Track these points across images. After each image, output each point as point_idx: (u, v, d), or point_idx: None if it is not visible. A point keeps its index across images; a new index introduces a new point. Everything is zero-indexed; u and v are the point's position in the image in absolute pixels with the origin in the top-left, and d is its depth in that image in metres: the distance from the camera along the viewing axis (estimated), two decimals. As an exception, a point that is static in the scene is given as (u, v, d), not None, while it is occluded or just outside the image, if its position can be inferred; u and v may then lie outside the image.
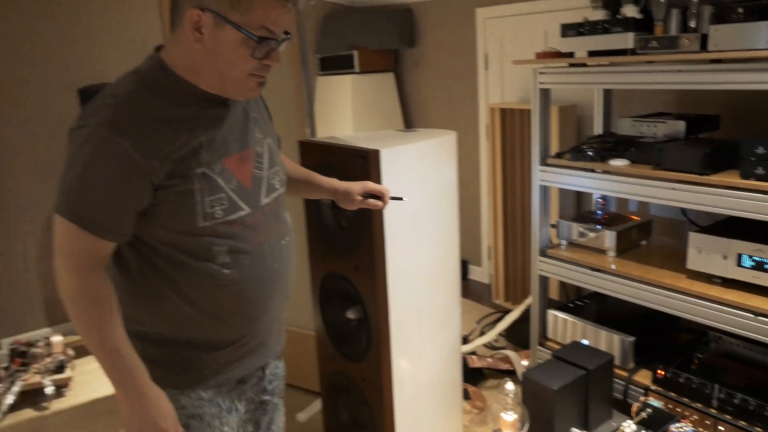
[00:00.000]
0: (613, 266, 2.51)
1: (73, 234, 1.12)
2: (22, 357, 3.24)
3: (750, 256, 2.09)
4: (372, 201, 1.65)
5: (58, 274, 1.16)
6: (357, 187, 1.66)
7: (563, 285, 3.41)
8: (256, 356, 1.42)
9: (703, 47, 2.03)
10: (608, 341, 2.55)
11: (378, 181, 1.99)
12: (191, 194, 1.18)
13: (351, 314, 2.28)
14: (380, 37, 4.23)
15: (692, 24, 2.08)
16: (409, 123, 4.56)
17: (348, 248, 2.18)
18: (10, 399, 3.00)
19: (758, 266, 2.07)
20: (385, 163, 1.98)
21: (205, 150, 1.20)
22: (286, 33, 1.20)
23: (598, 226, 2.66)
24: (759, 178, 1.97)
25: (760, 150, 1.95)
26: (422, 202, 2.19)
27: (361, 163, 1.98)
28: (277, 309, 1.41)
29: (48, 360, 3.23)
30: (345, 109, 4.20)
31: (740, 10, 1.93)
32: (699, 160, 2.12)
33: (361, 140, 2.17)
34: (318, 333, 2.43)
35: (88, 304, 1.14)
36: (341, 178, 2.08)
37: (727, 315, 2.11)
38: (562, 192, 3.46)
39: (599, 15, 2.40)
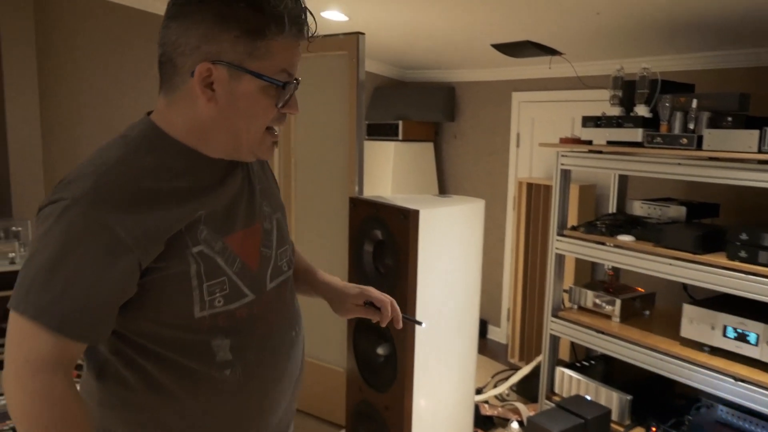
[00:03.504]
0: (614, 330, 2.81)
1: (34, 335, 0.91)
2: None
3: (734, 328, 2.39)
4: (372, 311, 1.40)
5: (9, 389, 0.92)
6: (355, 292, 1.40)
7: (573, 345, 3.69)
8: None
9: (699, 146, 2.40)
10: (608, 398, 2.82)
11: (416, 238, 2.37)
12: (186, 278, 1.00)
13: (381, 350, 2.61)
14: (424, 110, 4.70)
15: (691, 126, 2.46)
16: (443, 189, 4.98)
17: (383, 291, 2.53)
18: None
19: (740, 337, 2.36)
20: (423, 222, 2.36)
21: (204, 225, 1.03)
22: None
23: (606, 294, 2.98)
24: (742, 260, 2.30)
25: (744, 236, 2.29)
26: (451, 260, 2.55)
27: (403, 220, 2.37)
28: (285, 412, 1.23)
29: None
30: (386, 172, 4.63)
31: (729, 119, 2.31)
32: (692, 241, 2.45)
33: (404, 201, 2.56)
34: (348, 366, 2.77)
35: (51, 423, 0.91)
36: (385, 232, 2.48)
37: (712, 379, 2.39)
38: (579, 261, 3.79)
39: (616, 111, 2.79)
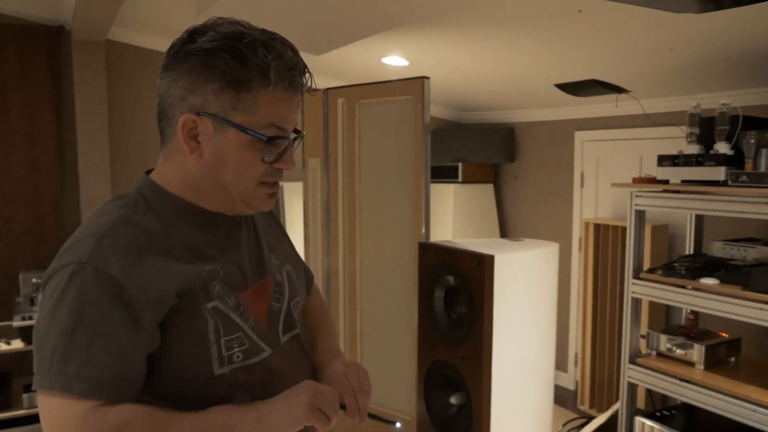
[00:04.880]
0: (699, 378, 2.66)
1: (70, 407, 0.87)
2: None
3: (838, 380, 2.22)
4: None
5: None
6: (335, 382, 1.13)
7: (649, 393, 3.51)
8: None
9: (789, 185, 2.28)
10: (697, 452, 2.65)
11: (491, 285, 2.30)
12: (204, 334, 0.98)
13: (454, 399, 2.53)
14: (483, 151, 4.67)
15: (779, 163, 2.35)
16: (505, 231, 4.89)
17: (457, 339, 2.47)
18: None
19: None
20: (498, 267, 2.30)
21: (216, 281, 1.01)
22: (297, 131, 1.06)
23: (688, 340, 2.83)
24: (844, 306, 2.15)
25: None
26: (526, 307, 2.47)
27: (477, 266, 2.31)
28: None
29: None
30: (446, 215, 4.59)
31: (822, 155, 2.19)
32: (786, 285, 2.31)
33: (475, 245, 2.51)
34: (419, 417, 2.69)
35: None
36: (458, 278, 2.42)
37: (815, 435, 2.22)
38: (653, 305, 3.63)
39: (693, 149, 2.70)
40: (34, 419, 3.10)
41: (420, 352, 2.67)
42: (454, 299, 2.51)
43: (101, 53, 3.52)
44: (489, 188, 4.81)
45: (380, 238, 3.22)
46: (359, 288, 3.27)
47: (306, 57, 3.62)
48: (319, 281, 3.49)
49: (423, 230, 3.03)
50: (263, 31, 1.01)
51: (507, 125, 4.80)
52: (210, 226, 1.05)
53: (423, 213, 3.01)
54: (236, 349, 1.01)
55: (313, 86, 1.05)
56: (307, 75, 1.03)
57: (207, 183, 1.02)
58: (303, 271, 1.30)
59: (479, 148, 4.68)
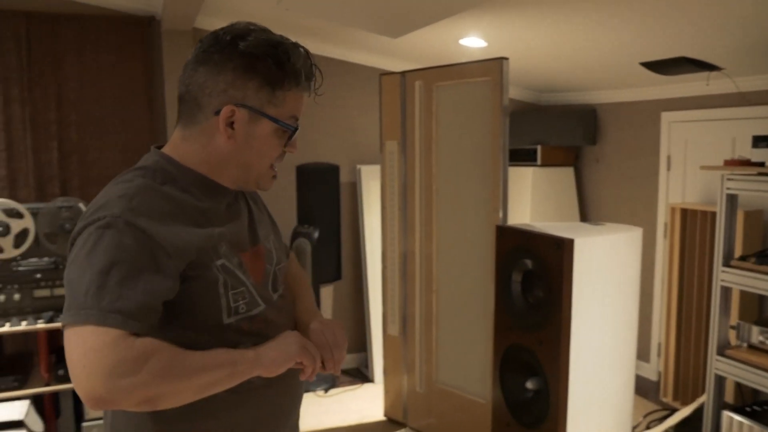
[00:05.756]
0: (798, 374, 2.51)
1: (102, 335, 0.97)
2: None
3: None
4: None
5: (113, 387, 0.96)
6: (313, 338, 1.26)
7: (739, 387, 3.35)
8: None
9: None
10: (790, 450, 2.52)
11: (570, 269, 2.26)
12: (215, 287, 1.13)
13: (530, 384, 2.51)
14: (563, 134, 4.54)
15: None
16: (585, 215, 4.76)
17: (534, 324, 2.44)
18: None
19: None
20: (578, 252, 2.25)
21: (223, 242, 1.17)
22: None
23: (783, 332, 2.68)
24: None
25: None
26: (607, 293, 2.41)
27: (556, 250, 2.27)
28: (296, 415, 1.37)
29: None
30: (524, 199, 4.51)
31: None
32: None
33: (554, 229, 2.46)
34: (495, 400, 2.68)
35: (151, 372, 0.99)
36: (536, 262, 2.39)
37: None
38: (745, 294, 3.45)
39: (792, 129, 2.53)
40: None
41: (496, 336, 2.66)
42: (532, 283, 2.48)
43: (189, 41, 3.66)
44: (569, 171, 4.69)
45: (457, 221, 3.21)
46: (435, 270, 3.28)
47: (383, 40, 3.61)
48: (395, 263, 3.52)
49: (500, 214, 2.99)
50: (284, 38, 1.20)
51: (588, 106, 4.64)
52: (217, 195, 1.21)
53: (501, 196, 2.98)
54: (240, 302, 1.17)
55: (320, 86, 1.25)
56: (318, 76, 1.24)
57: (230, 163, 1.19)
58: (282, 241, 1.45)
59: (559, 131, 4.56)
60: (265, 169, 1.22)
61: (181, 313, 1.11)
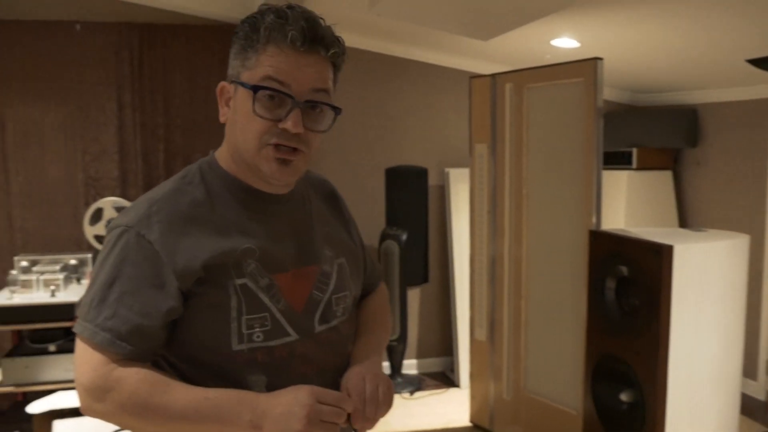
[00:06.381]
0: None
1: (88, 354, 0.97)
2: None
3: None
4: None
5: (88, 407, 0.99)
6: (350, 382, 1.08)
7: None
8: None
9: None
10: None
11: (669, 277, 2.16)
12: (226, 309, 1.01)
13: (625, 396, 2.41)
14: (661, 135, 4.35)
15: None
16: (684, 223, 4.53)
17: (629, 334, 2.35)
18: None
19: None
20: (678, 258, 2.15)
21: (253, 259, 1.04)
22: (334, 107, 1.06)
23: None
24: None
25: None
26: (709, 303, 2.28)
27: (654, 257, 2.18)
28: None
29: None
30: (618, 203, 4.35)
31: None
32: None
33: (652, 235, 2.36)
34: (586, 411, 2.60)
35: (116, 403, 0.96)
36: (632, 269, 2.30)
37: None
38: None
39: None
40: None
41: (588, 344, 2.58)
42: (627, 290, 2.39)
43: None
44: (667, 175, 4.47)
45: (548, 225, 3.14)
46: (525, 275, 3.23)
47: (472, 42, 3.60)
48: (483, 267, 3.49)
49: (594, 218, 2.91)
50: (294, 5, 1.04)
51: (689, 107, 4.42)
52: (256, 203, 1.09)
53: (594, 200, 2.89)
54: (257, 329, 1.02)
55: (327, 43, 1.03)
56: (312, 29, 1.01)
57: (233, 150, 1.07)
58: (363, 267, 1.26)
59: (657, 133, 4.36)
60: (253, 148, 1.02)
61: (186, 330, 1.02)
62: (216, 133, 3.85)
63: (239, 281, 1.02)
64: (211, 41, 3.81)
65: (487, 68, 4.21)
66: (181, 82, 3.79)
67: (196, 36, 3.79)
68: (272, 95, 1.00)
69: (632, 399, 2.37)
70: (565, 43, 3.54)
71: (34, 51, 3.56)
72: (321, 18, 1.05)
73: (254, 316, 1.02)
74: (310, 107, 1.03)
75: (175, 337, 1.02)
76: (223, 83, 1.08)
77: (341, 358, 1.14)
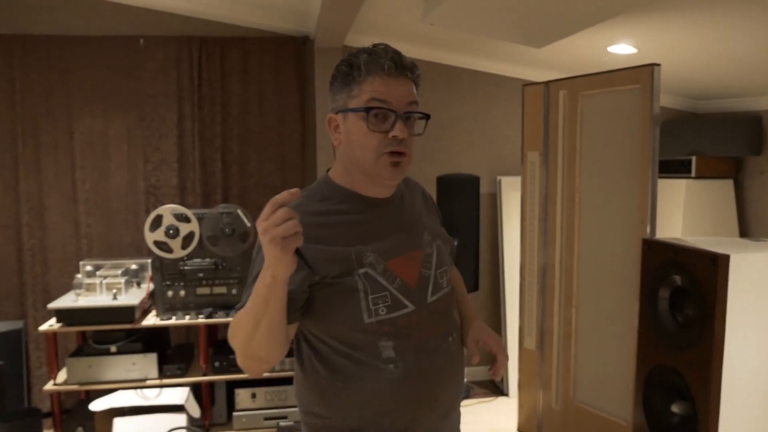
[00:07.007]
0: None
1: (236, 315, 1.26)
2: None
3: None
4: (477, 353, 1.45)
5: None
6: (471, 332, 1.50)
7: None
8: None
9: None
10: None
11: (725, 287, 2.11)
12: (356, 292, 1.28)
13: (677, 408, 2.37)
14: (722, 143, 4.22)
15: None
16: (745, 233, 4.38)
17: (683, 344, 2.30)
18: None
19: None
20: (735, 268, 2.10)
21: (369, 252, 1.31)
22: (424, 114, 1.34)
23: None
24: None
25: None
26: (765, 314, 2.22)
27: (710, 267, 2.14)
28: (445, 406, 1.40)
29: None
30: (675, 213, 4.25)
31: None
32: None
33: (709, 244, 2.31)
34: (636, 422, 2.55)
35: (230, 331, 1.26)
36: (686, 279, 2.26)
37: None
38: None
39: None
40: (276, 382, 3.51)
41: (640, 355, 2.54)
42: (682, 301, 2.34)
43: (338, 58, 3.86)
44: (728, 184, 4.34)
45: (600, 234, 3.10)
46: (576, 284, 3.19)
47: (525, 50, 3.59)
48: (533, 276, 3.47)
49: (648, 227, 2.86)
50: (379, 43, 1.33)
51: (752, 113, 4.28)
52: (369, 207, 1.36)
53: (649, 208, 2.85)
54: (381, 305, 1.30)
55: (411, 67, 1.33)
56: (399, 58, 1.30)
57: (350, 165, 1.34)
58: (450, 246, 1.55)
59: (718, 140, 4.24)
60: (372, 159, 1.30)
61: (327, 313, 1.29)
62: (270, 142, 3.98)
63: (362, 270, 1.29)
64: (265, 53, 3.92)
65: (540, 75, 4.19)
66: (237, 93, 3.91)
67: (252, 48, 3.91)
68: (378, 113, 1.28)
69: (684, 411, 2.32)
70: (622, 50, 3.50)
71: (100, 64, 3.75)
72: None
73: (377, 295, 1.30)
74: (407, 117, 1.31)
75: (319, 320, 1.30)
76: (330, 115, 1.35)
77: (449, 323, 1.42)
